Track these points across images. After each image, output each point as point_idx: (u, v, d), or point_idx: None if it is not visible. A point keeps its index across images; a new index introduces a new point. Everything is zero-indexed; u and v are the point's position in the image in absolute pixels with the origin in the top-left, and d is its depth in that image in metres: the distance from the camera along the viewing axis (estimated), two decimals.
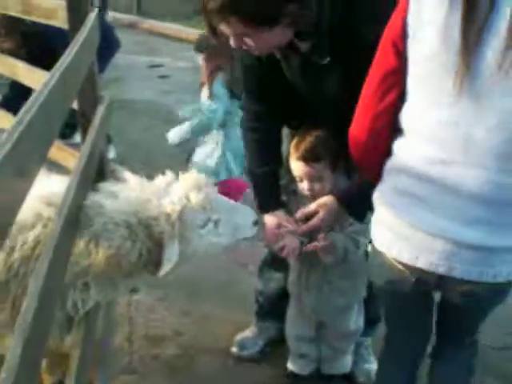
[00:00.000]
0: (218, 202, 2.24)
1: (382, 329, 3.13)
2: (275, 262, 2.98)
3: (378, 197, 2.04)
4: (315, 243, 2.48)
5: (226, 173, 4.47)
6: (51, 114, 1.57)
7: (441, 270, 1.86)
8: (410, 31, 1.76)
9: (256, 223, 2.37)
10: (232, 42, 2.22)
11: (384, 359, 2.50)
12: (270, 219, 2.62)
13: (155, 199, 2.12)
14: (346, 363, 3.01)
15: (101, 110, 2.82)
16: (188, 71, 8.44)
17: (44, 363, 2.35)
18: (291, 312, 2.99)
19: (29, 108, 1.38)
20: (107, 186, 2.22)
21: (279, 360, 3.11)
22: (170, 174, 2.27)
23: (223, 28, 2.13)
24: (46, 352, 1.91)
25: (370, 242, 2.14)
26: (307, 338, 2.96)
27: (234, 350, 3.19)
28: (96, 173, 2.84)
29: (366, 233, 2.50)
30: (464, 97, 1.69)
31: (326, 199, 2.47)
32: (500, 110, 1.67)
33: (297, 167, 2.53)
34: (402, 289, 2.04)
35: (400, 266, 1.95)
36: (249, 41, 2.17)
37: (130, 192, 2.17)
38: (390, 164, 1.95)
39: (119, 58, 9.93)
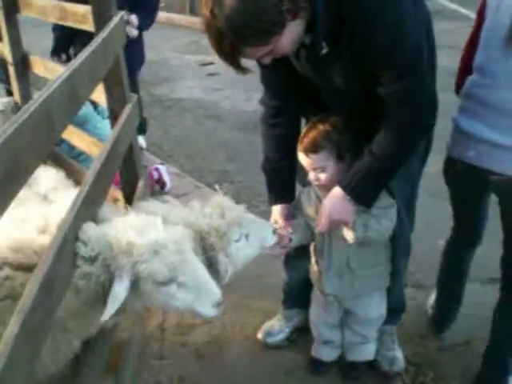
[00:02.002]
0: (244, 218, 2.49)
1: (404, 318, 3.21)
2: (299, 251, 3.05)
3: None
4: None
5: None
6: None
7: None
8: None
9: (274, 232, 2.61)
10: (262, 62, 2.28)
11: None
12: (274, 211, 2.81)
13: (201, 217, 2.42)
14: (369, 350, 3.06)
15: (128, 109, 2.96)
16: None
17: None
18: (315, 299, 3.05)
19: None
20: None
21: (305, 347, 3.19)
22: (196, 203, 2.55)
23: (245, 58, 2.17)
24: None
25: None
26: (331, 325, 3.02)
27: (260, 337, 3.29)
28: (125, 168, 3.01)
29: (389, 215, 2.59)
30: None
31: (333, 191, 2.54)
32: None
33: (301, 158, 2.62)
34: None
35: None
36: (272, 53, 2.20)
37: (179, 210, 2.47)
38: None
39: (173, 58, 10.21)
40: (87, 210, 2.01)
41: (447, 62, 8.76)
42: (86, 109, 4.95)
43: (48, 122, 1.66)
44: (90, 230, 1.92)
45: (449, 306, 3.41)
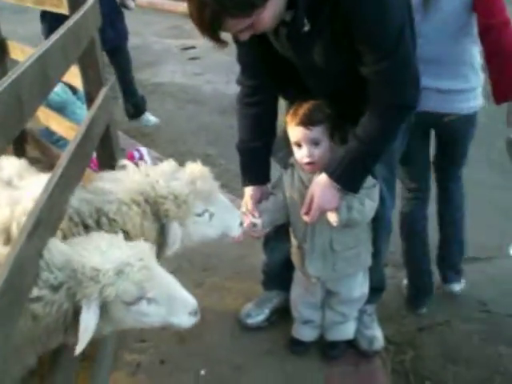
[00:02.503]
0: (216, 197, 2.39)
1: (384, 297, 3.24)
2: (279, 233, 3.05)
3: None
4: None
5: None
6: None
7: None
8: None
9: (241, 224, 2.55)
10: (241, 38, 2.23)
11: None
12: (246, 192, 2.77)
13: (163, 181, 2.24)
14: (349, 329, 3.07)
15: (104, 91, 2.94)
16: (219, 52, 8.50)
17: None
18: (297, 280, 3.06)
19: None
20: (110, 174, 2.32)
21: (284, 328, 3.19)
22: (173, 162, 2.40)
23: (225, 32, 2.13)
24: None
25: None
26: (312, 305, 3.02)
27: (240, 318, 3.30)
28: (102, 150, 3.00)
29: (371, 195, 2.58)
30: None
31: (318, 179, 2.49)
32: None
33: (296, 133, 2.55)
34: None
35: None
36: (253, 28, 2.17)
37: (133, 175, 2.28)
38: None
39: (154, 43, 10.16)
40: (61, 191, 2.00)
41: None
42: (65, 94, 4.94)
43: (17, 104, 1.64)
44: (54, 254, 1.83)
45: (421, 280, 3.46)
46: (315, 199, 2.49)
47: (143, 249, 1.94)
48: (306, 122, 2.51)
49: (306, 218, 2.56)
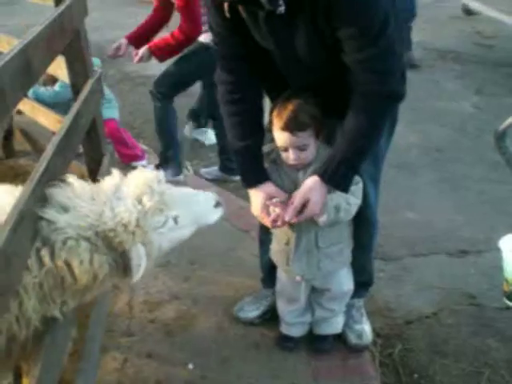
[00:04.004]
0: (172, 198, 2.15)
1: (372, 290, 3.24)
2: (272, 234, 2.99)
3: None
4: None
5: None
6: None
7: None
8: None
9: (218, 205, 2.31)
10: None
11: None
12: (257, 193, 2.58)
13: (108, 210, 1.98)
14: (337, 324, 3.06)
15: (90, 84, 2.91)
16: None
17: None
18: (279, 290, 3.04)
19: None
20: (57, 195, 2.01)
21: (273, 321, 3.18)
22: (116, 175, 2.14)
23: None
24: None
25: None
26: (299, 312, 3.01)
27: (234, 310, 3.28)
28: (89, 143, 2.97)
29: (356, 193, 2.56)
30: None
31: (311, 183, 2.43)
32: None
33: (282, 137, 2.49)
34: None
35: None
36: None
37: (80, 203, 2.00)
38: None
39: None
40: (45, 184, 1.97)
41: (422, 36, 8.80)
42: (63, 91, 4.84)
43: None
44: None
45: None
46: (310, 205, 2.43)
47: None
48: (292, 127, 2.45)
49: (292, 220, 2.49)
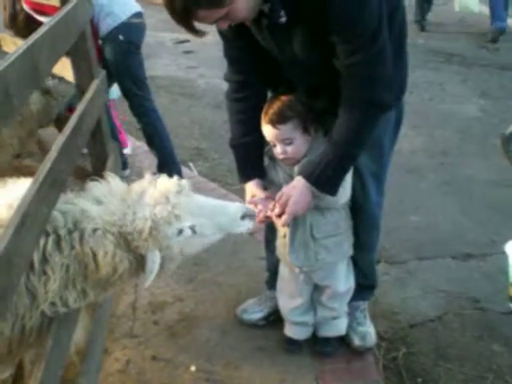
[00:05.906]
0: (190, 208, 2.16)
1: (377, 293, 3.23)
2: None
3: None
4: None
5: None
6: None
7: None
8: None
9: (246, 217, 2.31)
10: (220, 26, 2.27)
11: None
12: (247, 189, 2.70)
13: (131, 213, 2.08)
14: (341, 325, 3.05)
15: (95, 84, 2.91)
16: (213, 46, 8.49)
17: None
18: (279, 287, 3.05)
19: None
20: (95, 189, 2.16)
21: (277, 324, 3.16)
22: (147, 178, 2.21)
23: (199, 22, 2.15)
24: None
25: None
26: (301, 309, 3.00)
27: (238, 313, 3.27)
28: (94, 144, 2.97)
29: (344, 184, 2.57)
30: None
31: (296, 182, 2.49)
32: None
33: (267, 131, 2.57)
34: None
35: None
36: (229, 18, 2.17)
37: (112, 200, 2.12)
38: None
39: (148, 36, 10.08)
40: (50, 185, 1.96)
41: (425, 39, 8.80)
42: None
43: (4, 96, 1.61)
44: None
45: None
46: (290, 204, 2.47)
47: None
48: (274, 120, 2.52)
49: (278, 222, 2.55)
